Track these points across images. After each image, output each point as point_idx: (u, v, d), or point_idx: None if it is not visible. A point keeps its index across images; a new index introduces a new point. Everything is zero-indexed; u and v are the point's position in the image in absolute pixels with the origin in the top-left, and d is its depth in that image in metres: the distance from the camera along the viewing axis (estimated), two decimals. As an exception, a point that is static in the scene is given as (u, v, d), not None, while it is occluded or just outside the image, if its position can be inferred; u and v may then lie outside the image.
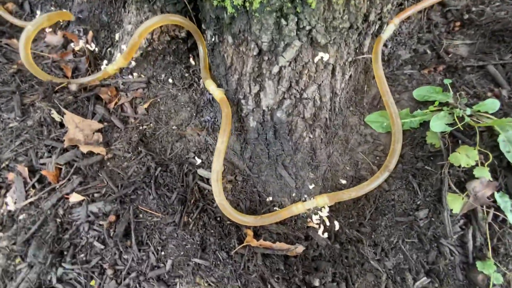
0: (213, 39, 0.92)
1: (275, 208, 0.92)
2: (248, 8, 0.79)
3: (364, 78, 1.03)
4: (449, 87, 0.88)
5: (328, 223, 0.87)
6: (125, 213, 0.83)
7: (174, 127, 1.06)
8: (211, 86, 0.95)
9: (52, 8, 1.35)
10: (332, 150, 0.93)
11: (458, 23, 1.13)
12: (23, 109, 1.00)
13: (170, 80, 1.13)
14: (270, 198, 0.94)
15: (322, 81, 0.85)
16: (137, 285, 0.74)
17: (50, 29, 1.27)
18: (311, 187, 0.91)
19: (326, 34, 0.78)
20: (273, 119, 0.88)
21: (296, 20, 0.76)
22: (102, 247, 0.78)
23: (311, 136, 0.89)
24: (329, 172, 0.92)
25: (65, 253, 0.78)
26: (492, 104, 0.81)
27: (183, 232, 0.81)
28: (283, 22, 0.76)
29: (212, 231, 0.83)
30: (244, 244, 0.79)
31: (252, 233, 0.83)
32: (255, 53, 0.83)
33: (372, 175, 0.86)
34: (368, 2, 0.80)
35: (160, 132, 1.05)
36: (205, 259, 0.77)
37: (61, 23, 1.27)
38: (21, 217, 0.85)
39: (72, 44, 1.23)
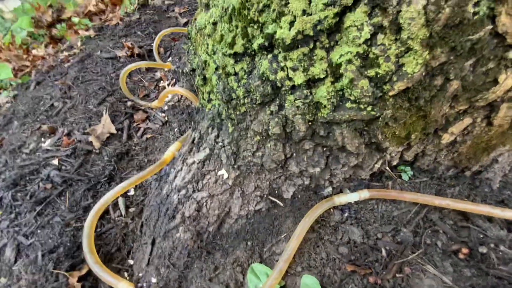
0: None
1: (124, 273, 0.93)
2: (204, 107, 0.96)
3: (288, 227, 0.90)
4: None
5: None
6: (52, 189, 1.12)
7: (146, 160, 1.31)
8: (173, 146, 1.15)
9: (176, 58, 2.06)
10: (191, 263, 0.85)
11: (465, 250, 0.78)
12: (101, 102, 1.59)
13: (177, 129, 1.43)
14: (131, 262, 0.96)
15: (217, 195, 0.85)
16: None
17: (162, 71, 1.93)
18: (153, 280, 0.86)
19: (231, 158, 0.82)
20: (170, 198, 0.95)
21: (217, 133, 0.85)
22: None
23: (182, 235, 0.87)
24: (176, 282, 0.84)
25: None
26: None
27: (45, 230, 0.99)
28: (210, 130, 0.88)
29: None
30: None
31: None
32: (191, 141, 0.97)
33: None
34: (287, 154, 0.78)
35: (137, 157, 1.33)
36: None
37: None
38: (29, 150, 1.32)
39: (161, 81, 1.82)
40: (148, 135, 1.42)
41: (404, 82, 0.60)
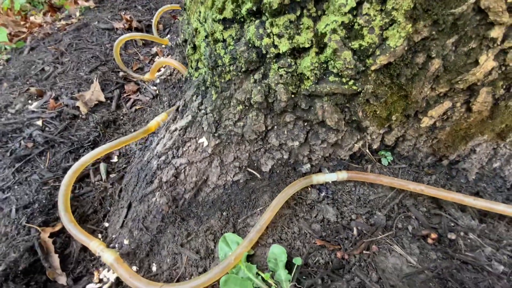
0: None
1: (99, 234, 0.93)
2: (191, 77, 0.96)
3: (265, 201, 0.90)
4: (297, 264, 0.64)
5: (108, 283, 0.80)
6: (33, 148, 1.11)
7: (132, 130, 1.30)
8: (159, 116, 1.14)
9: (175, 36, 2.03)
10: (164, 227, 0.85)
11: (434, 236, 0.79)
12: (92, 70, 1.57)
13: (166, 103, 1.42)
14: (106, 225, 0.96)
15: (195, 162, 0.85)
16: None
17: (159, 47, 1.91)
18: (125, 242, 0.86)
19: (212, 126, 0.81)
20: (150, 164, 0.94)
21: (200, 100, 0.85)
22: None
23: (158, 200, 0.87)
24: (147, 245, 0.84)
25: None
26: None
27: (22, 186, 0.99)
28: (194, 97, 0.87)
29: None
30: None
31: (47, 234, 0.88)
32: (175, 109, 0.96)
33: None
34: (268, 126, 0.78)
35: (124, 127, 1.32)
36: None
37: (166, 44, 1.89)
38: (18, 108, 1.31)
39: (157, 57, 1.80)
40: (137, 107, 1.41)
41: (387, 56, 0.60)
